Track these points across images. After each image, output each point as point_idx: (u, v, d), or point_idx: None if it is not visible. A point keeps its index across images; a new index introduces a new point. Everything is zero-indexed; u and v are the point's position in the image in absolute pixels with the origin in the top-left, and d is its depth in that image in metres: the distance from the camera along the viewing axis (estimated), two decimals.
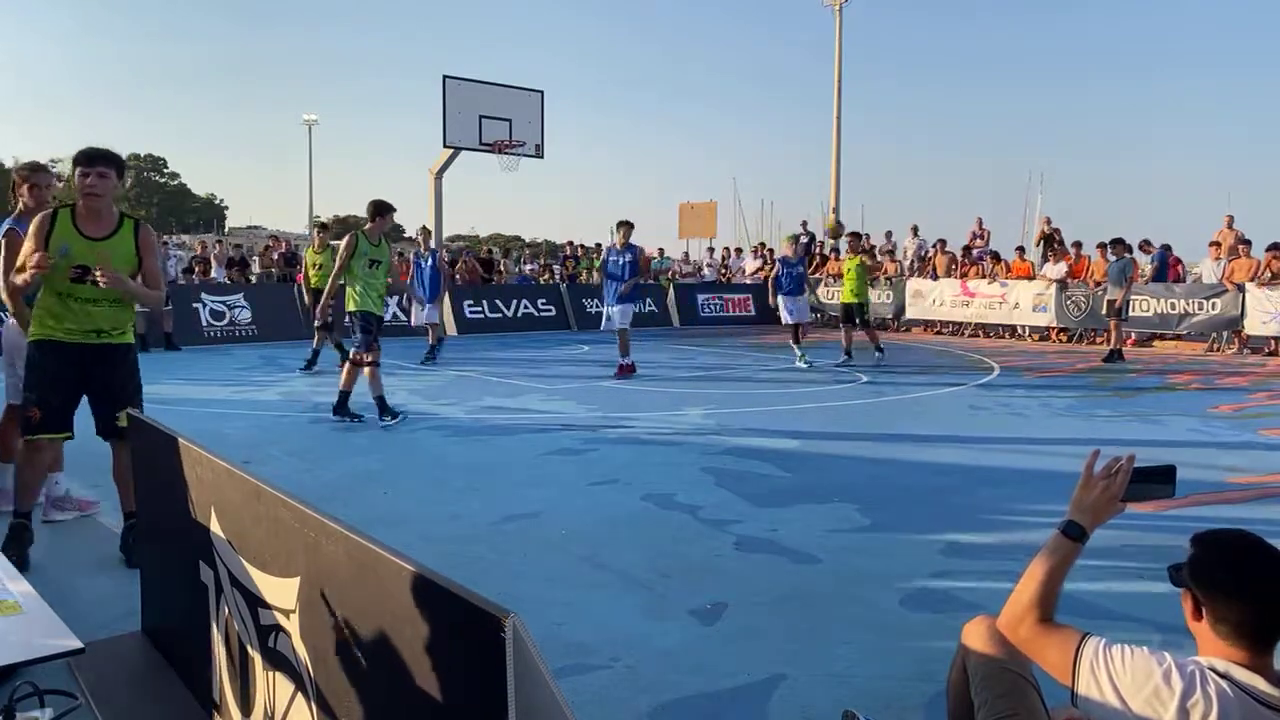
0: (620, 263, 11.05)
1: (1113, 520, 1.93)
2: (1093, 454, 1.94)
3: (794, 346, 12.36)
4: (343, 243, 7.92)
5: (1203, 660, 1.64)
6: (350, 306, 7.77)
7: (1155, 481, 1.91)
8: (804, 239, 22.66)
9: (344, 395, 7.75)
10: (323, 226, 13.12)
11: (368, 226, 7.90)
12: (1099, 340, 16.00)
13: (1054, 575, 1.88)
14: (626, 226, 11.11)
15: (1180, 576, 1.70)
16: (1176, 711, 1.59)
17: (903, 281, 19.33)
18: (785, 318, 12.71)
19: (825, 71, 25.59)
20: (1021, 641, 1.87)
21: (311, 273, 11.99)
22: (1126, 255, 14.18)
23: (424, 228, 13.81)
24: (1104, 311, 14.42)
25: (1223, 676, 1.59)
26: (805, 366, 11.94)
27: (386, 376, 10.87)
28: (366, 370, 7.64)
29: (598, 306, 19.81)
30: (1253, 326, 14.59)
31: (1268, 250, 14.92)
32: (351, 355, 7.73)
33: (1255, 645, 1.60)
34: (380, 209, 7.94)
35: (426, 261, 12.80)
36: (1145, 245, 16.66)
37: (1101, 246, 15.93)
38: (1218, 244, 16.17)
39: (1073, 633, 1.79)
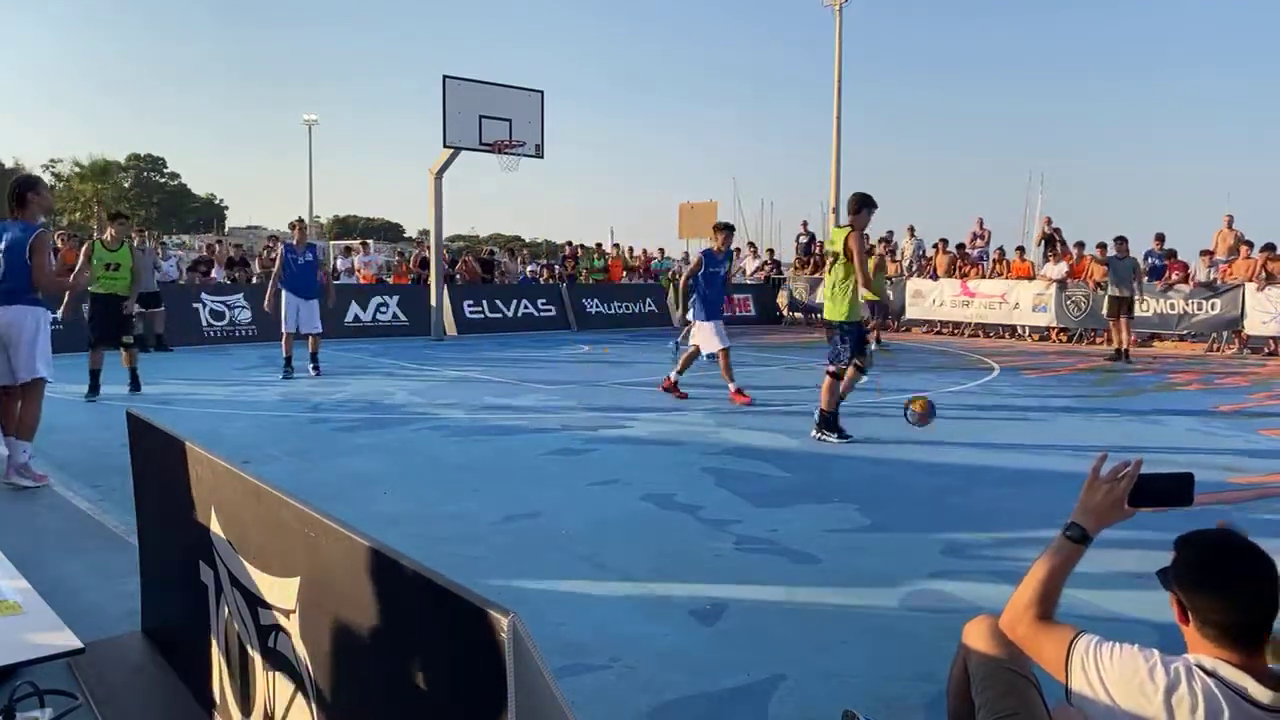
0: (721, 273, 9.28)
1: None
2: (1099, 457, 1.95)
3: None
4: (853, 241, 6.89)
5: (1191, 657, 1.65)
6: (839, 316, 7.00)
7: (1168, 488, 1.89)
8: (803, 239, 22.76)
9: (828, 413, 7.03)
10: (119, 216, 9.86)
11: (851, 219, 6.92)
12: (1099, 340, 16.00)
13: (1054, 575, 1.89)
14: (726, 229, 9.45)
15: (1167, 579, 1.71)
16: (1161, 705, 1.60)
17: (903, 281, 19.33)
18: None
19: (825, 71, 25.59)
20: (1020, 639, 1.89)
21: (102, 274, 8.93)
22: (1130, 255, 14.05)
23: (300, 219, 12.75)
24: (1105, 311, 14.27)
25: (1209, 674, 1.60)
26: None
27: (386, 376, 10.89)
28: (828, 381, 7.05)
29: (598, 306, 19.88)
30: (1253, 326, 14.59)
31: (1262, 250, 14.93)
32: (843, 367, 7.08)
33: (1241, 644, 1.60)
34: (865, 201, 6.94)
35: (304, 257, 10.85)
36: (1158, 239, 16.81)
37: (1101, 246, 15.92)
38: (1209, 252, 16.16)
39: (1068, 630, 1.81)
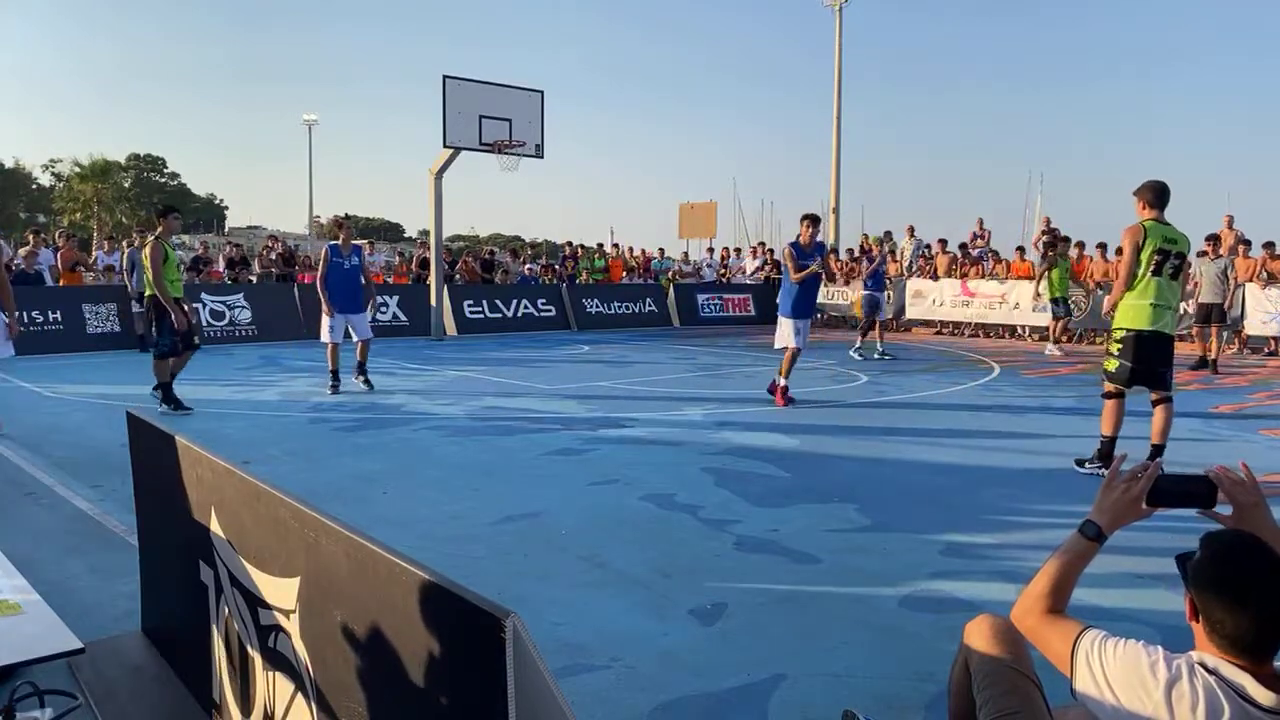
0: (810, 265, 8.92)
1: None
2: (1118, 459, 1.96)
3: (862, 339, 13.65)
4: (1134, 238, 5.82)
5: (1194, 655, 1.65)
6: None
7: (1189, 490, 1.88)
8: None
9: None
10: (173, 210, 8.91)
11: (1149, 216, 5.84)
12: (1099, 340, 15.97)
13: (1067, 570, 1.90)
14: (812, 220, 9.05)
15: (1184, 572, 1.69)
16: (1162, 701, 1.60)
17: (903, 281, 19.33)
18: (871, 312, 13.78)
19: (825, 71, 25.62)
20: (1029, 630, 1.90)
21: (175, 277, 8.41)
22: (1224, 255, 13.34)
23: (346, 216, 11.35)
24: (1197, 319, 13.22)
25: (1211, 672, 1.59)
26: (879, 358, 13.19)
27: (386, 376, 10.86)
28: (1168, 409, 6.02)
29: (598, 306, 19.89)
30: (1253, 326, 14.59)
31: (1264, 248, 14.88)
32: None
33: (1249, 655, 1.58)
34: (1160, 192, 5.84)
35: (350, 260, 9.66)
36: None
37: (1101, 246, 15.89)
38: (1206, 253, 16.13)
39: (1075, 624, 1.81)
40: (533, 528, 4.70)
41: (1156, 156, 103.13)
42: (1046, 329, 17.10)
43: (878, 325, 13.70)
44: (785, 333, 8.96)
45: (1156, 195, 5.84)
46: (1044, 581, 1.90)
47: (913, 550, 4.36)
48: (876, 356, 13.22)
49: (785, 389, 8.87)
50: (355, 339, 9.66)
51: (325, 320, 9.56)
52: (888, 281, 15.42)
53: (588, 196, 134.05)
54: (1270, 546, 1.65)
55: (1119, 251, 16.02)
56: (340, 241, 9.75)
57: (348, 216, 10.85)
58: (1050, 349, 14.60)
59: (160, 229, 8.48)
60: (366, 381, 9.67)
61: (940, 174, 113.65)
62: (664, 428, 7.58)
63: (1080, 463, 6.08)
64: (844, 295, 19.93)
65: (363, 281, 9.78)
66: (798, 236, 9.11)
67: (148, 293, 8.35)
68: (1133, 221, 5.95)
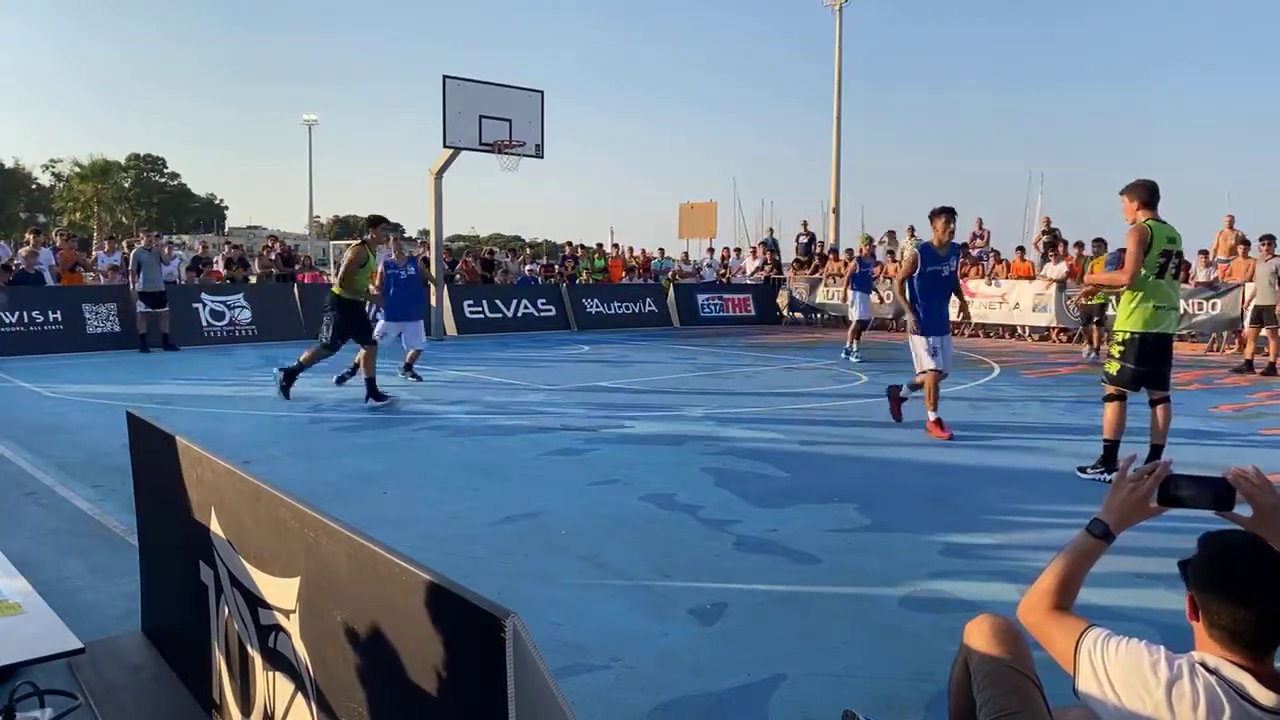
0: (945, 272, 7.45)
1: None
2: (1128, 458, 1.97)
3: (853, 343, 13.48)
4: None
5: (1195, 655, 1.65)
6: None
7: (1201, 491, 1.86)
8: (804, 239, 22.74)
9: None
10: (381, 223, 9.17)
11: (1147, 216, 5.72)
12: (1100, 340, 15.97)
13: (1073, 568, 1.91)
14: (947, 213, 7.43)
15: (1185, 573, 1.70)
16: (1163, 699, 1.60)
17: None
18: (857, 314, 13.76)
19: (825, 71, 25.62)
20: (1033, 626, 1.91)
21: (364, 280, 8.88)
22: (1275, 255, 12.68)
23: (398, 229, 12.24)
24: (1249, 320, 12.85)
25: (1212, 672, 1.60)
26: (855, 361, 12.92)
27: (387, 376, 10.87)
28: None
29: (598, 306, 19.89)
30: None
31: (1263, 241, 14.79)
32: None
33: (1249, 652, 1.59)
34: (1153, 190, 5.76)
35: (407, 271, 10.13)
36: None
37: (1099, 241, 15.88)
38: (1206, 252, 16.13)
39: (1079, 622, 1.82)
40: (533, 528, 4.70)
41: (1156, 156, 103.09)
42: (1047, 329, 17.14)
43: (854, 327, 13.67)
44: (919, 353, 7.36)
45: (1150, 194, 5.77)
46: (1050, 578, 1.90)
47: (913, 550, 4.36)
48: (853, 359, 13.08)
49: (938, 420, 7.32)
50: (406, 347, 10.20)
51: (378, 324, 10.01)
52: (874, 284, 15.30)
53: (588, 196, 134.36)
54: (1270, 546, 1.66)
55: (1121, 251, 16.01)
56: (394, 255, 10.18)
57: (398, 229, 11.20)
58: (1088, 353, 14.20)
59: (371, 235, 8.96)
60: (414, 376, 10.30)
61: (940, 174, 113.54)
62: (664, 427, 7.58)
63: (1082, 469, 6.01)
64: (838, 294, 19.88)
65: (424, 284, 10.53)
66: (923, 242, 7.53)
67: (335, 291, 8.78)
68: (1109, 222, 5.96)
